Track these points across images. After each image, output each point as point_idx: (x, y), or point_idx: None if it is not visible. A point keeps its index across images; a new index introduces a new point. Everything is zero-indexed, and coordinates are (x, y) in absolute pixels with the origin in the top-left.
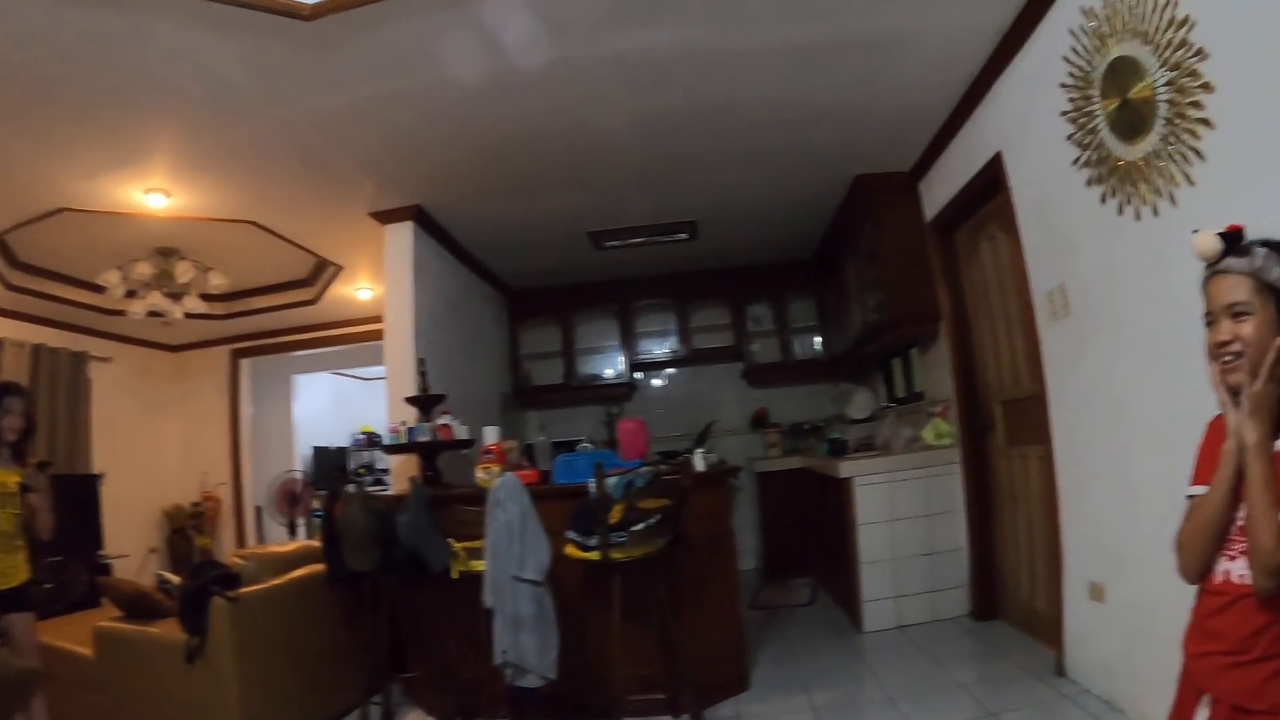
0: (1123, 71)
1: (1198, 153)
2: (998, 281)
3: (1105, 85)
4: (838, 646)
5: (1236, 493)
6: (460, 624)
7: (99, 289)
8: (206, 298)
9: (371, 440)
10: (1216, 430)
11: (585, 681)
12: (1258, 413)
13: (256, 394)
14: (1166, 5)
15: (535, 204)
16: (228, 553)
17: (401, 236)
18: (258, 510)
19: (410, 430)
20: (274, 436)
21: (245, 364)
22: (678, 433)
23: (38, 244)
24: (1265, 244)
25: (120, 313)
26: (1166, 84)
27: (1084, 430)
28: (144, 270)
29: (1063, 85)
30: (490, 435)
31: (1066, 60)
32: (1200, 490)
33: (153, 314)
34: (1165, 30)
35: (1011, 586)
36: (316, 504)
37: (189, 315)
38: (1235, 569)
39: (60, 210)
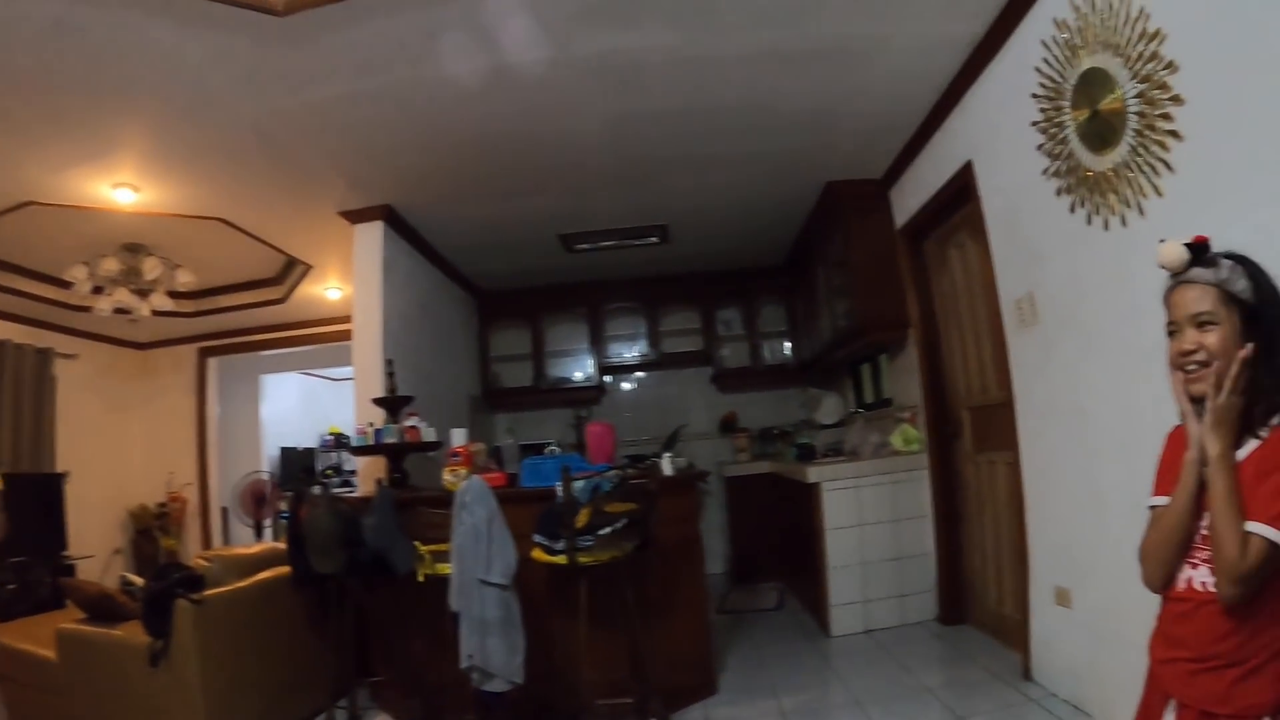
0: (1094, 83)
1: (1166, 164)
2: (967, 289)
3: (1076, 96)
4: (806, 651)
5: (1199, 502)
6: (426, 628)
7: (65, 284)
8: (174, 295)
9: (339, 441)
10: (1176, 441)
11: (553, 686)
12: (1220, 425)
13: (224, 393)
14: (1138, 18)
15: (507, 205)
16: (194, 554)
17: (371, 236)
18: (224, 511)
19: (377, 432)
20: (241, 437)
21: (213, 363)
22: (646, 436)
23: (3, 238)
24: (1229, 256)
25: (86, 309)
26: (1137, 96)
27: (1050, 437)
28: (111, 266)
29: (1034, 95)
30: (458, 437)
31: (1038, 71)
32: (1162, 501)
33: (119, 311)
34: (1137, 43)
35: (979, 591)
36: (284, 505)
37: (156, 313)
38: (1198, 576)
39: (27, 204)
